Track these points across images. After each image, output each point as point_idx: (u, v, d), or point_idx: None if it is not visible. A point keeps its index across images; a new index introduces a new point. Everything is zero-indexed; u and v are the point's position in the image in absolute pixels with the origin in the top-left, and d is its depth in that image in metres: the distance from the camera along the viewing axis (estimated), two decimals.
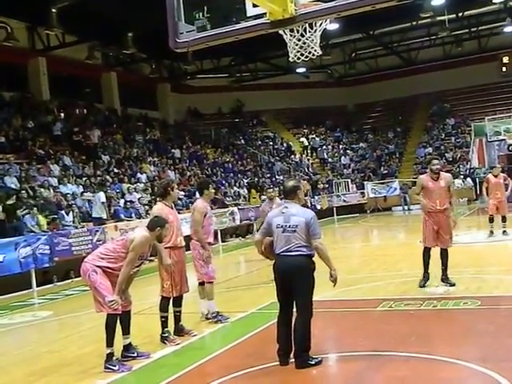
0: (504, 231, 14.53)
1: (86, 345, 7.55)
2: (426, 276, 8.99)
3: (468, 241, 14.20)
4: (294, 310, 5.82)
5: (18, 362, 7.16)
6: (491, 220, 14.69)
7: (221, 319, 7.93)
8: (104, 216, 16.74)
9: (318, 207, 27.01)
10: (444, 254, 8.98)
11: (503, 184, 14.70)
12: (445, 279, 8.92)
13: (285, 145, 35.63)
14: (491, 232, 14.55)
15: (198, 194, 9.09)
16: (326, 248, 5.74)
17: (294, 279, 5.66)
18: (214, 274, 8.08)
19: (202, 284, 8.13)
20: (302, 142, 36.24)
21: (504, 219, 14.63)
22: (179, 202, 19.69)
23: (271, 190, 11.03)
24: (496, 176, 14.70)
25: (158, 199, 7.96)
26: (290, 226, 5.72)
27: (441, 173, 9.15)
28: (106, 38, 25.44)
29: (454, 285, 8.77)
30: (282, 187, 6.29)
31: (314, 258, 5.79)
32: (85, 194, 17.87)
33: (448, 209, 9.00)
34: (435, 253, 9.06)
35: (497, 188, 14.55)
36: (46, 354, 7.36)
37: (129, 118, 28.72)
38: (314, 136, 36.44)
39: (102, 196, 16.96)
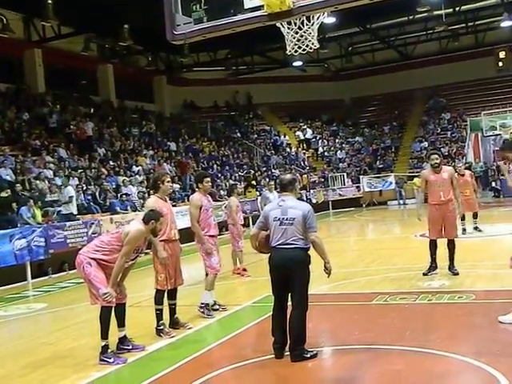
0: (475, 227, 14.58)
1: (80, 337, 7.55)
2: (433, 266, 9.29)
3: (462, 235, 14.21)
4: (289, 303, 5.84)
5: (13, 354, 7.15)
6: (463, 218, 14.69)
7: (204, 312, 7.90)
8: (74, 211, 15.80)
9: (314, 201, 27.03)
10: (451, 246, 9.28)
11: (471, 182, 14.82)
12: (451, 268, 9.25)
13: (279, 139, 35.59)
14: (464, 230, 14.47)
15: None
16: (322, 241, 5.75)
17: (290, 272, 5.66)
18: (218, 265, 8.11)
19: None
20: (298, 135, 36.22)
21: (475, 215, 14.71)
22: (177, 194, 19.72)
23: (272, 183, 10.61)
24: (463, 175, 14.68)
25: (151, 192, 7.95)
26: (287, 219, 5.73)
27: (442, 166, 9.45)
28: (102, 30, 25.34)
29: (457, 274, 9.12)
30: (279, 180, 6.32)
31: (309, 252, 5.80)
32: (52, 188, 16.45)
33: (452, 201, 9.24)
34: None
35: (465, 186, 14.43)
36: (41, 346, 7.35)
37: (125, 111, 28.64)
38: (305, 127, 36.35)
39: (70, 190, 16.02)
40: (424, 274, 9.23)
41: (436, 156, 9.41)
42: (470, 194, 14.62)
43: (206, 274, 8.21)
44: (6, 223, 13.77)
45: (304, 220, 5.71)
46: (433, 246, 9.34)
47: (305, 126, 36.43)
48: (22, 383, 5.91)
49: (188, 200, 21.07)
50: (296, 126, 37.23)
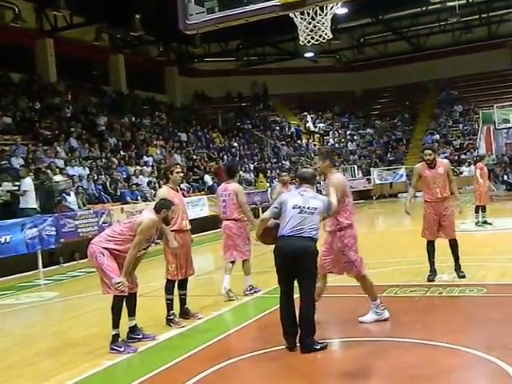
0: (485, 221, 14.52)
1: (91, 326, 7.59)
2: (433, 270, 8.60)
3: (474, 229, 14.16)
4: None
5: (24, 342, 7.21)
6: (477, 210, 14.62)
7: (256, 290, 8.56)
8: (34, 206, 14.05)
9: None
10: (453, 246, 8.59)
11: None
12: (457, 270, 8.60)
13: (292, 129, 35.57)
14: (477, 222, 14.47)
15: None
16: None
17: (302, 262, 5.66)
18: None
19: (233, 262, 8.55)
20: (309, 127, 36.15)
21: (484, 209, 14.69)
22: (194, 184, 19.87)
23: (285, 173, 10.68)
24: (486, 165, 14.95)
25: (161, 183, 8.09)
26: (308, 208, 5.77)
27: (438, 160, 8.65)
28: (113, 20, 25.36)
29: (464, 276, 8.44)
30: (299, 173, 6.41)
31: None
32: (4, 183, 14.73)
33: (449, 197, 8.57)
34: (443, 242, 8.84)
35: (486, 177, 14.86)
36: (52, 335, 7.41)
37: (136, 101, 28.67)
38: (305, 113, 36.28)
39: (28, 182, 14.05)
40: (429, 281, 8.47)
41: (429, 152, 8.45)
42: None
43: (233, 262, 8.56)
44: (19, 213, 13.84)
45: (324, 209, 5.88)
46: (431, 248, 8.62)
47: (305, 113, 36.42)
48: (33, 371, 5.94)
49: (199, 191, 21.22)
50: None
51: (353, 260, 6.43)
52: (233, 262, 8.54)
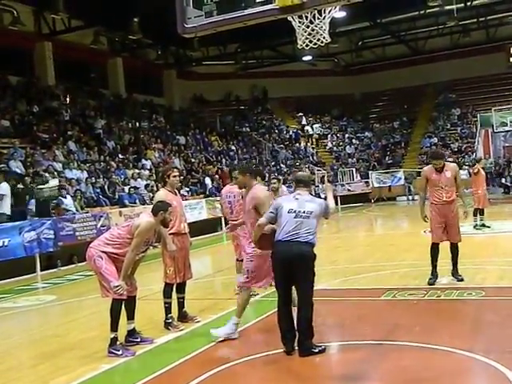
0: (483, 224, 14.53)
1: (89, 329, 7.58)
2: (435, 273, 8.56)
3: (472, 232, 14.17)
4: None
5: (22, 346, 7.21)
6: (475, 213, 14.60)
7: (254, 294, 8.24)
8: (7, 212, 13.76)
9: (323, 196, 26.96)
10: (454, 249, 8.61)
11: None
12: (454, 273, 8.61)
13: (290, 132, 35.62)
14: (476, 225, 14.48)
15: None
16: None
17: (299, 266, 5.64)
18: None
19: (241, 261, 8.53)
20: (307, 130, 36.18)
21: (482, 212, 14.71)
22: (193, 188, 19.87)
23: (275, 181, 10.46)
24: (483, 168, 14.99)
25: (159, 186, 8.11)
26: (304, 212, 5.73)
27: (446, 163, 8.74)
28: (111, 24, 25.36)
29: (462, 280, 8.45)
30: (296, 176, 6.39)
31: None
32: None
33: (455, 201, 8.61)
34: (443, 245, 8.79)
35: (484, 180, 14.95)
36: (50, 338, 7.39)
37: (134, 104, 28.67)
38: (301, 113, 36.33)
39: (4, 187, 13.74)
40: (430, 284, 8.44)
41: (440, 161, 8.53)
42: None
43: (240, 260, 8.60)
44: (18, 216, 13.81)
45: (321, 212, 5.83)
46: (435, 251, 8.59)
47: (301, 113, 36.46)
48: (31, 374, 5.94)
49: (197, 194, 21.19)
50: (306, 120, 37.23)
51: (246, 270, 6.36)
52: (241, 261, 8.62)
